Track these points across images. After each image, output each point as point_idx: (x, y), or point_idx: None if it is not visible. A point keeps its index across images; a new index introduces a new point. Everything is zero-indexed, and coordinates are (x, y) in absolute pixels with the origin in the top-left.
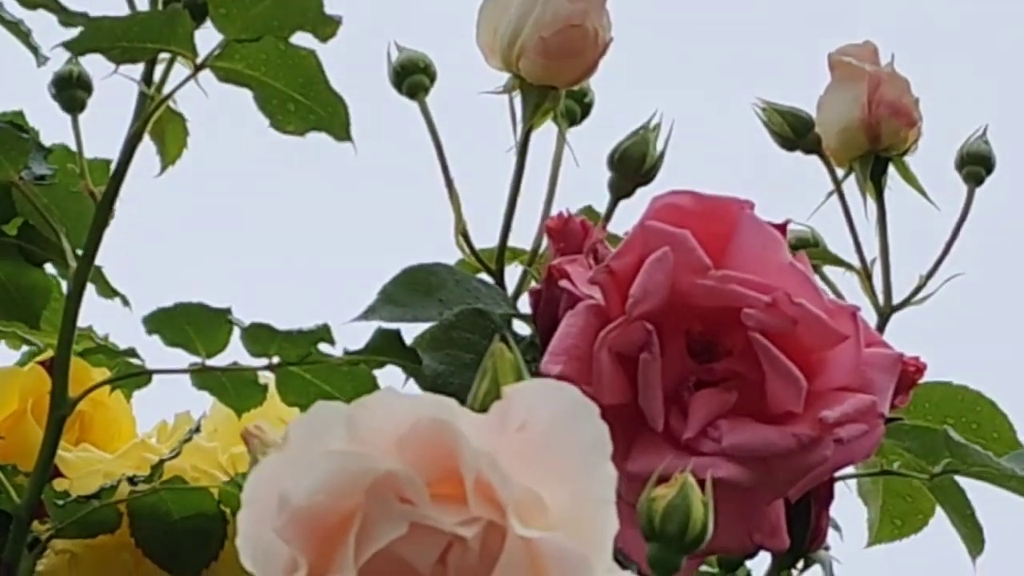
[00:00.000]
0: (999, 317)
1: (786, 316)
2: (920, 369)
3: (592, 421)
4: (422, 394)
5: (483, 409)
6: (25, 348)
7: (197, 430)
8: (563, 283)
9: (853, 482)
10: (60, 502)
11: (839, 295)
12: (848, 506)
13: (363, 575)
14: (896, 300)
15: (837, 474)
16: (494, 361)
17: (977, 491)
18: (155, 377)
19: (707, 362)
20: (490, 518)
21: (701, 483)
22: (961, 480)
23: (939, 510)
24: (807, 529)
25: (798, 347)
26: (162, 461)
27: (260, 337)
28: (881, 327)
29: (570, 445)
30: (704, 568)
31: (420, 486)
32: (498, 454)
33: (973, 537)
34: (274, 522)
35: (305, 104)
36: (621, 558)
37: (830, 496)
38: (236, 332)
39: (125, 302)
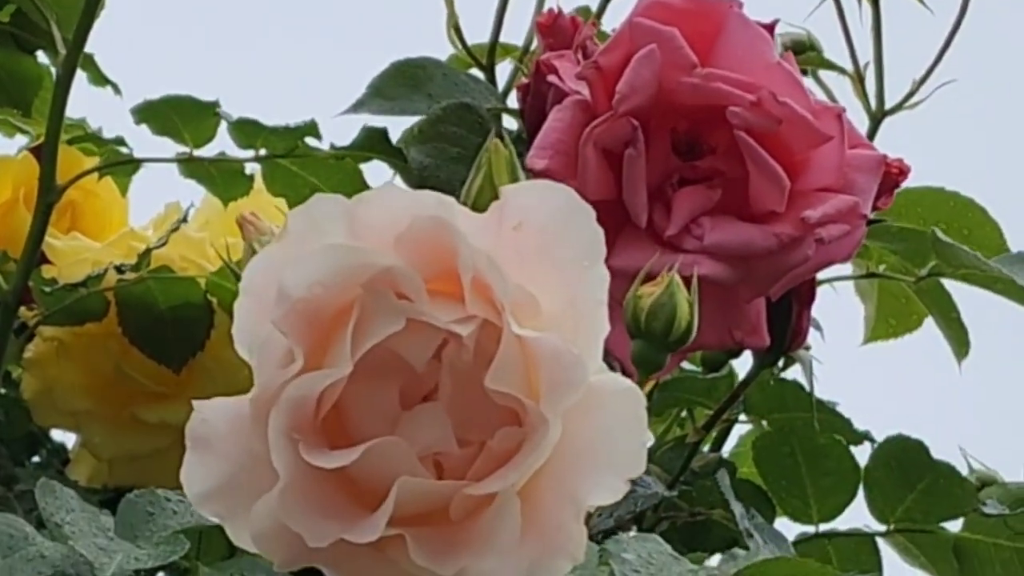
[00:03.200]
0: (991, 123)
1: (770, 115)
2: (904, 171)
3: (588, 223)
4: (422, 191)
5: (476, 204)
6: (22, 142)
7: (184, 219)
8: (551, 78)
9: (842, 284)
10: (47, 289)
11: (833, 99)
12: (836, 308)
13: (359, 369)
14: (889, 105)
15: (823, 276)
16: (489, 156)
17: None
18: (153, 172)
19: (691, 160)
20: (486, 317)
21: (685, 280)
22: (948, 285)
23: None
24: (788, 328)
25: (782, 147)
26: (148, 250)
27: (247, 130)
28: (873, 131)
29: (565, 246)
30: (689, 367)
31: (418, 283)
32: (495, 254)
33: (958, 340)
34: (272, 313)
35: None
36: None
37: (811, 296)
38: (223, 126)
39: (116, 90)
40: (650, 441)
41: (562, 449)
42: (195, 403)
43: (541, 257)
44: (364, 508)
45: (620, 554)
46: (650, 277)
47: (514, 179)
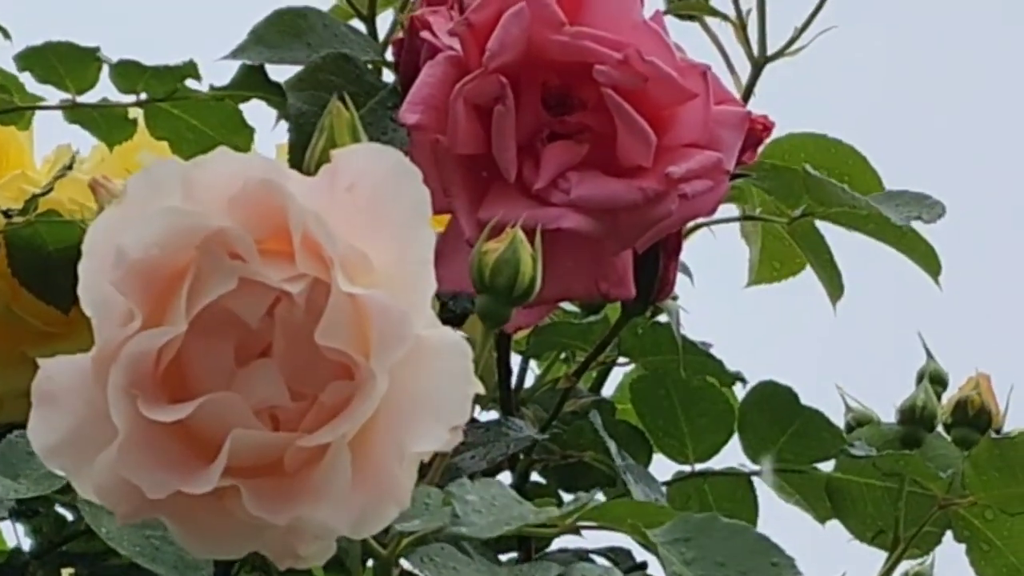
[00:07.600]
0: (873, 70)
1: (637, 73)
2: (768, 127)
3: (415, 184)
4: (254, 155)
5: (318, 164)
6: None
7: (70, 167)
8: (424, 34)
9: (719, 229)
10: None
11: (720, 45)
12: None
13: (195, 327)
14: (771, 51)
15: (699, 221)
16: (331, 120)
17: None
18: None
19: (562, 115)
20: (316, 275)
21: (551, 232)
22: (823, 228)
23: None
24: (655, 279)
25: (649, 103)
26: (35, 196)
27: (128, 73)
28: (755, 78)
29: (394, 206)
30: (571, 308)
31: (249, 243)
32: (326, 213)
33: (832, 281)
34: (111, 274)
35: None
36: (469, 304)
37: (678, 248)
38: (106, 70)
39: (6, 35)
40: (478, 390)
41: (391, 400)
42: (40, 361)
43: (371, 217)
44: (201, 460)
45: (464, 496)
46: (500, 231)
47: (355, 140)
